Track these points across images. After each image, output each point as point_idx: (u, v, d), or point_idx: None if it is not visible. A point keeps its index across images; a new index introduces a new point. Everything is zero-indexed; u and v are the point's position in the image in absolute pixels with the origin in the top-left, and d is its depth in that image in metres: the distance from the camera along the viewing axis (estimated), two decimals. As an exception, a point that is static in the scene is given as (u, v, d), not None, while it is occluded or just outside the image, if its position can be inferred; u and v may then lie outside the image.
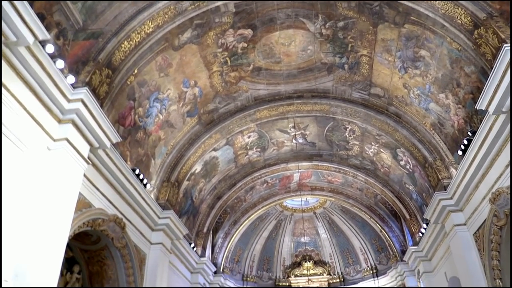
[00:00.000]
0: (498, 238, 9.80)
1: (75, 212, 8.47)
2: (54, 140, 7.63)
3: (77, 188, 8.08)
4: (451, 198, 11.49)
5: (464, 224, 11.33)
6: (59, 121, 7.78)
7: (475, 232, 10.88)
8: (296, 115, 14.47)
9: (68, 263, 10.64)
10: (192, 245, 15.52)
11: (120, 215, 10.41)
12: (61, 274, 10.31)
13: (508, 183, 8.92)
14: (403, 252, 16.91)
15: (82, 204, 8.89)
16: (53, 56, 7.25)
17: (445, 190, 11.72)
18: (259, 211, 18.95)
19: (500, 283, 9.98)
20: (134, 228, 11.34)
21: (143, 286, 11.42)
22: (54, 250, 7.16)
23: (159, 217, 12.31)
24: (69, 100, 7.70)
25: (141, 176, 11.09)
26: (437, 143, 12.24)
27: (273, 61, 12.36)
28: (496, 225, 9.65)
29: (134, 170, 10.76)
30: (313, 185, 18.49)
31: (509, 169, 8.84)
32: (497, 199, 9.26)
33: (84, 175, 8.74)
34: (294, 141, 15.92)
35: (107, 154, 9.37)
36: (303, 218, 19.41)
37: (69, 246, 10.55)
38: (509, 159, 8.57)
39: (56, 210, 7.28)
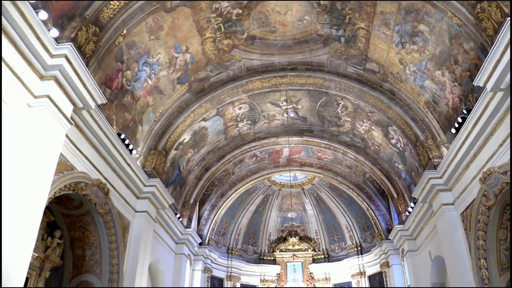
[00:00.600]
0: (485, 218, 9.76)
1: (56, 174, 8.20)
2: (35, 97, 7.27)
3: (58, 148, 7.78)
4: (440, 177, 11.41)
5: (452, 204, 11.29)
6: (41, 77, 7.41)
7: (463, 212, 10.84)
8: (289, 88, 14.17)
9: (49, 228, 10.43)
10: (178, 215, 15.37)
11: (104, 180, 10.15)
12: (42, 239, 10.12)
13: (500, 163, 8.81)
14: (389, 231, 16.96)
15: (64, 166, 8.61)
16: (36, 7, 6.84)
17: (435, 169, 11.62)
18: (247, 184, 18.80)
19: (484, 263, 9.99)
20: (118, 195, 11.11)
21: (126, 254, 11.28)
22: (32, 211, 6.92)
23: (144, 185, 12.08)
24: (52, 55, 7.33)
25: (127, 142, 10.79)
26: (430, 122, 12.08)
27: (268, 30, 11.98)
28: (484, 205, 9.58)
29: (119, 135, 10.46)
30: (303, 161, 18.35)
31: (501, 148, 8.72)
32: (488, 178, 9.16)
33: (67, 136, 8.45)
34: (285, 115, 15.66)
35: (91, 116, 9.05)
36: (291, 193, 19.32)
37: (50, 210, 10.33)
38: (504, 137, 8.42)
39: (35, 169, 7.00)
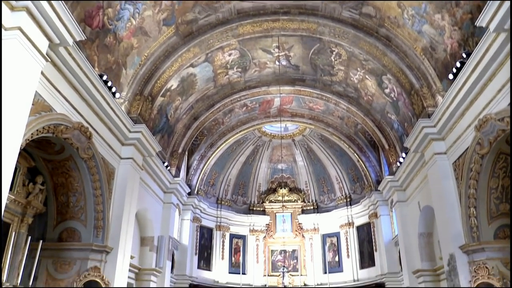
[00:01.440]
0: (478, 167, 9.57)
1: (33, 114, 7.78)
2: (6, 29, 6.71)
3: (33, 85, 7.29)
4: (434, 126, 11.14)
5: (445, 153, 11.09)
6: (12, 8, 6.80)
7: (455, 161, 10.66)
8: (281, 33, 13.52)
9: (31, 174, 10.07)
10: (166, 164, 15.09)
11: (85, 124, 9.72)
12: (23, 184, 9.78)
13: (497, 109, 8.51)
14: (378, 182, 16.91)
15: (41, 107, 8.15)
16: None
17: (429, 118, 11.32)
18: (237, 135, 18.48)
19: (474, 212, 9.91)
20: (102, 140, 10.72)
21: (111, 201, 11.04)
22: (6, 151, 6.51)
23: (129, 131, 11.69)
24: (21, -15, 6.70)
25: (109, 84, 10.27)
26: (426, 69, 11.66)
27: (260, -32, 11.25)
28: (478, 153, 9.36)
29: (101, 76, 9.93)
30: (294, 112, 17.96)
31: (500, 94, 8.39)
32: (484, 126, 8.88)
33: (44, 75, 7.97)
34: (277, 63, 15.10)
35: (70, 54, 8.49)
36: (282, 144, 19.07)
37: (31, 155, 9.95)
38: (504, 81, 8.08)
39: (8, 107, 6.53)
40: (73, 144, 9.46)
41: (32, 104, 7.57)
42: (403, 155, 14.18)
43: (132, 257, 12.26)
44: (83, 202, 10.59)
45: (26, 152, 9.73)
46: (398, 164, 14.76)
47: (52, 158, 10.15)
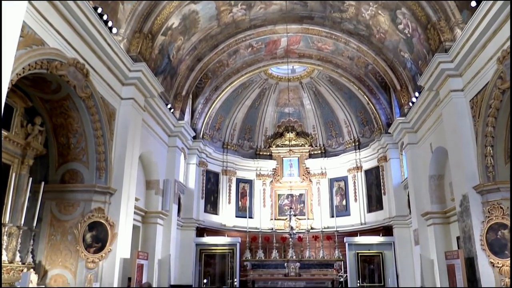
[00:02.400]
0: (497, 103, 9.04)
1: (23, 48, 7.26)
2: None
3: (19, 13, 6.69)
4: (451, 61, 10.48)
5: (461, 90, 10.50)
6: None
7: (472, 99, 10.09)
8: (288, -36, 12.63)
9: (29, 114, 9.71)
10: (169, 106, 14.64)
11: (81, 60, 9.21)
12: (21, 125, 9.47)
13: (524, 38, 7.85)
14: (389, 125, 16.40)
15: (32, 40, 7.61)
16: None
17: (446, 53, 10.64)
18: (243, 77, 17.84)
19: (491, 150, 9.50)
20: (101, 79, 10.23)
21: (113, 142, 10.72)
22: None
23: (129, 70, 11.16)
24: None
25: (105, 17, 9.63)
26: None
27: None
28: (498, 88, 8.79)
29: (96, 9, 9.27)
30: (301, 52, 17.19)
31: (528, 21, 7.71)
32: (507, 57, 8.25)
33: (33, 5, 7.36)
34: (284, -2, 14.22)
35: (59, -18, 7.84)
36: (289, 87, 18.44)
37: (28, 95, 9.55)
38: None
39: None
40: (70, 82, 9.00)
41: (21, 36, 7.06)
42: (416, 94, 13.59)
43: (137, 199, 12.11)
44: (84, 143, 10.29)
45: (22, 91, 9.35)
46: (410, 105, 14.19)
47: (49, 97, 9.75)
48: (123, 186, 10.53)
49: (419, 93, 13.22)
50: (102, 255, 9.89)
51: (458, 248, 11.44)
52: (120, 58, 10.62)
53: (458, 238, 12.16)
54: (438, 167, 13.26)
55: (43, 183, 9.69)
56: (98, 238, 9.95)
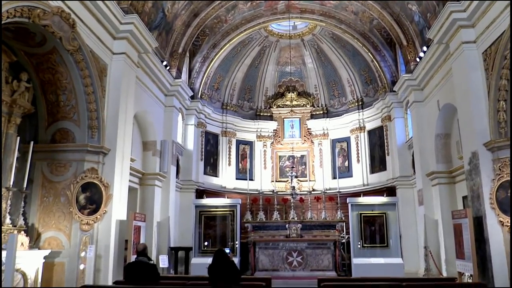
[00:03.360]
0: (513, 54, 8.43)
1: (-1, -8, 6.63)
2: None
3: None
4: (464, 11, 9.78)
5: (474, 42, 9.85)
6: None
7: (485, 50, 9.48)
8: None
9: (14, 70, 9.13)
10: (165, 63, 14.00)
11: (67, 9, 8.56)
12: (6, 81, 8.90)
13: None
14: (393, 84, 15.78)
15: (8, -17, 6.97)
16: None
17: (458, 1, 9.92)
18: (242, 34, 17.05)
19: (504, 105, 9.00)
20: (89, 31, 9.61)
21: (106, 99, 10.19)
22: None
23: (120, 22, 10.48)
24: None
25: (90, -38, 8.91)
26: None
27: None
28: (516, 37, 8.18)
29: (79, -49, 8.56)
30: (303, 7, 16.32)
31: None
32: (526, 3, 7.60)
33: None
34: None
35: None
36: (290, 45, 17.66)
37: (11, 49, 8.95)
38: None
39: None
40: (55, 33, 8.41)
41: (-4, -21, 6.43)
42: (424, 49, 12.91)
43: (133, 160, 11.71)
44: (74, 101, 9.78)
45: (5, 45, 8.75)
46: (417, 61, 13.53)
47: (34, 51, 9.17)
48: (117, 146, 10.08)
49: (427, 47, 12.54)
50: (97, 217, 9.57)
51: (464, 208, 11.11)
52: (110, 9, 9.94)
53: (464, 198, 11.84)
54: (445, 126, 12.77)
55: (32, 142, 9.22)
56: (92, 199, 9.60)
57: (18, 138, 8.99)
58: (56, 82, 9.57)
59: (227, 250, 8.27)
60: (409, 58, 14.51)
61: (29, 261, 8.12)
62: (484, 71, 9.50)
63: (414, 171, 14.57)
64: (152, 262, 6.90)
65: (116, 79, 10.47)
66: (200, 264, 11.58)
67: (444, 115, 12.49)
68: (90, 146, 9.69)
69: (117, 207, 9.92)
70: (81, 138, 9.82)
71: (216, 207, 14.26)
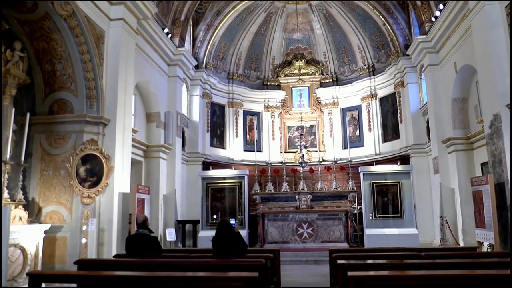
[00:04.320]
0: (541, 5, 7.73)
1: None
2: None
3: None
4: (483, -39, 9.05)
5: (496, -4, 9.14)
6: None
7: (508, 4, 8.75)
8: None
9: (7, 39, 8.64)
10: (166, 30, 13.41)
11: (56, -30, 8.00)
12: (-1, 51, 8.44)
13: None
14: (407, 48, 15.01)
15: None
16: None
17: (479, -48, 9.17)
18: (246, 0, 16.34)
19: (529, 61, 8.32)
20: (83, -5, 9.04)
21: (104, 68, 9.70)
22: None
23: (116, -15, 9.90)
24: None
25: None
26: None
27: None
28: (544, -14, 7.47)
29: None
30: (311, -31, 15.55)
31: None
32: None
33: None
34: None
35: None
36: (297, 10, 16.90)
37: (3, 17, 8.43)
38: None
39: None
40: (46, -4, 7.86)
41: None
42: (440, 7, 12.13)
43: (135, 131, 11.32)
44: (70, 70, 9.31)
45: (-6, 12, 8.26)
46: (433, 19, 12.75)
47: (26, 18, 8.68)
48: (117, 116, 9.63)
49: (444, 6, 11.78)
50: (98, 190, 9.22)
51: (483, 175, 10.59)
52: (103, -29, 9.34)
53: (482, 165, 11.31)
54: (462, 89, 12.12)
55: (28, 114, 8.80)
56: (93, 172, 9.23)
57: (14, 109, 8.58)
58: (51, 51, 9.09)
59: (232, 222, 7.87)
60: (423, 19, 13.73)
61: (28, 236, 7.82)
62: (507, 27, 8.81)
63: (429, 138, 14.01)
64: (153, 234, 6.55)
65: (115, 46, 9.95)
66: (208, 237, 11.10)
67: (462, 78, 11.84)
68: (89, 117, 9.26)
69: (120, 179, 9.56)
70: (79, 109, 9.39)
71: (223, 178, 13.89)
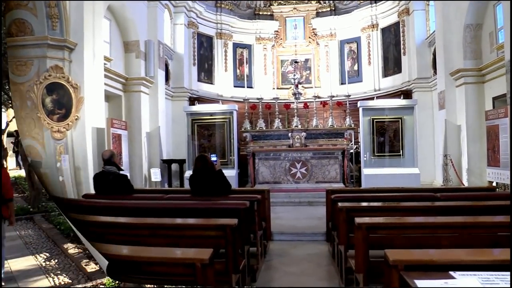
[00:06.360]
0: None
1: None
2: None
3: None
4: None
5: None
6: None
7: None
8: None
9: None
10: None
11: None
12: None
13: None
14: (414, -31, 13.52)
15: None
16: None
17: None
18: None
19: None
20: None
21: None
22: None
23: None
24: None
25: None
26: None
27: None
28: None
29: None
30: None
31: None
32: None
33: None
34: None
35: None
36: None
37: None
38: None
39: None
40: None
41: None
42: None
43: (109, 60, 10.05)
44: (26, -22, 7.90)
45: None
46: None
47: None
48: (84, 39, 8.39)
49: None
50: (68, 124, 8.21)
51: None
52: None
53: (494, 99, 10.29)
54: (477, 14, 10.82)
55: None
56: (61, 103, 8.17)
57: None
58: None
59: (214, 158, 6.89)
60: None
61: None
62: None
63: (435, 71, 12.88)
64: (122, 172, 5.56)
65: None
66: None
67: (477, 1, 10.52)
68: (51, 39, 8.04)
69: (92, 112, 8.50)
70: (40, 30, 8.12)
71: (211, 114, 12.79)
